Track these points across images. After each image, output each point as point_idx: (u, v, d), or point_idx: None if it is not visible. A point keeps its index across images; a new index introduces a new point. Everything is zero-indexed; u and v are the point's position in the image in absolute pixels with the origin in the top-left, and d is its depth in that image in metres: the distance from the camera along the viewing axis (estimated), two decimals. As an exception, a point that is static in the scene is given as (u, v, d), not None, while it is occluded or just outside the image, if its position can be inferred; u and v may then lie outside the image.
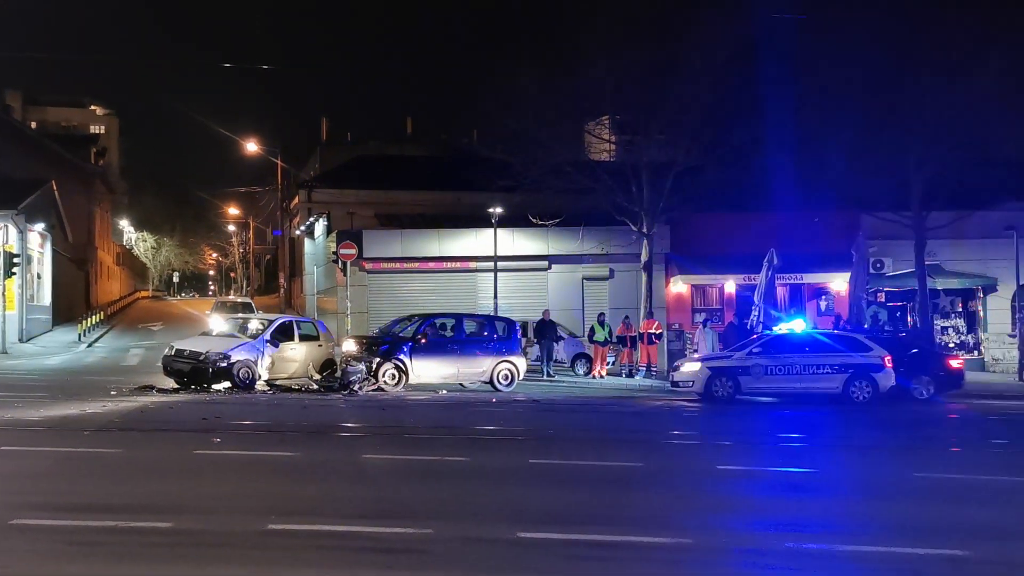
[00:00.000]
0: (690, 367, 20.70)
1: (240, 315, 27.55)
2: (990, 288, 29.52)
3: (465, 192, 32.48)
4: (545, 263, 30.15)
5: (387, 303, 29.09)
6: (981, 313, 29.95)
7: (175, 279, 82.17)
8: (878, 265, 28.99)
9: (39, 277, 34.61)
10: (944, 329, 29.62)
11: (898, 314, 29.80)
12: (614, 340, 26.29)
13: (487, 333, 22.14)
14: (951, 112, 24.95)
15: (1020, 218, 27.61)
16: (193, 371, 20.04)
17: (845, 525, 8.47)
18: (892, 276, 29.23)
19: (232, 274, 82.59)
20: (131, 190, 73.80)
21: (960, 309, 30.19)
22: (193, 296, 77.41)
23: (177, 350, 20.78)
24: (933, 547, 7.57)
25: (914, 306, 28.21)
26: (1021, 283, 27.66)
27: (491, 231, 28.36)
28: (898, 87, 25.68)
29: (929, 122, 25.06)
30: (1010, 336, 28.59)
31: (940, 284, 28.98)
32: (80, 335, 32.48)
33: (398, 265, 30.25)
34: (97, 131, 76.28)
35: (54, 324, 35.19)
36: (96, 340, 33.20)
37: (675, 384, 20.77)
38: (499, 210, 28.25)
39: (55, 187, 34.75)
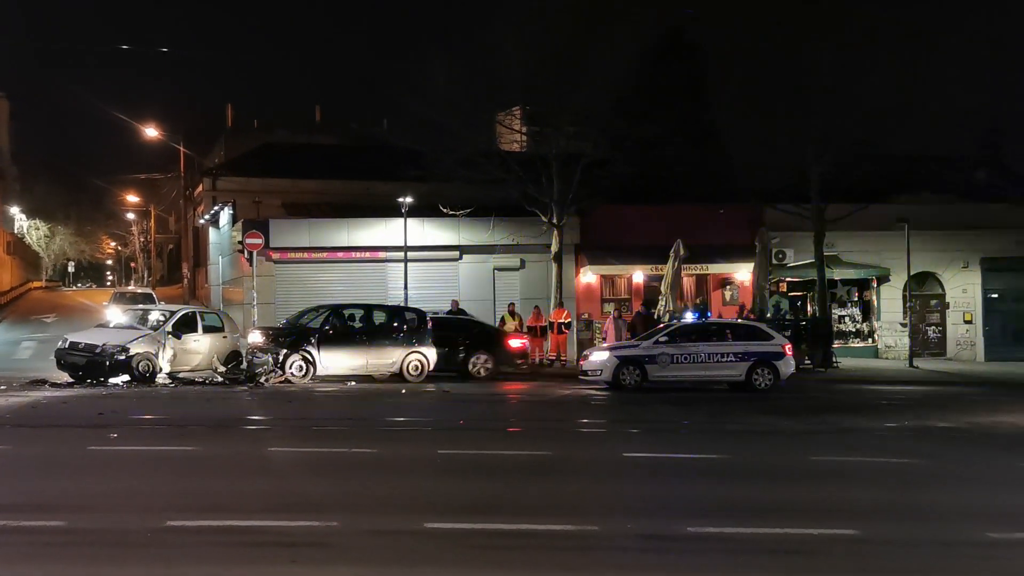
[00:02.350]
0: (599, 356, 20.96)
1: (140, 306, 26.68)
2: (884, 278, 30.76)
3: (375, 182, 32.07)
4: (456, 253, 30.06)
5: (295, 294, 28.54)
6: (875, 302, 31.19)
7: (71, 269, 78.98)
8: (780, 256, 29.86)
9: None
10: (841, 317, 30.74)
11: (799, 303, 30.79)
12: (524, 330, 26.43)
13: (397, 324, 21.97)
14: (847, 108, 25.86)
15: (911, 211, 28.81)
16: (89, 364, 19.33)
17: (745, 509, 8.71)
18: (793, 266, 30.17)
19: (132, 264, 79.95)
20: (22, 176, 70.54)
21: (856, 298, 31.39)
22: (90, 287, 74.58)
23: (72, 343, 20.01)
24: (827, 527, 7.86)
25: (814, 296, 29.18)
26: (912, 273, 28.92)
27: (401, 221, 28.12)
28: (797, 82, 26.47)
29: (826, 117, 25.91)
30: (901, 325, 29.86)
31: (838, 274, 30.05)
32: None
33: (306, 255, 29.72)
34: (-15, 114, 72.55)
35: (-62, 316, 33.43)
36: (-15, 333, 31.69)
37: (584, 373, 21.00)
38: (409, 200, 28.03)
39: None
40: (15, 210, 66.56)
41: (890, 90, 26.16)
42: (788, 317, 28.26)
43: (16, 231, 66.51)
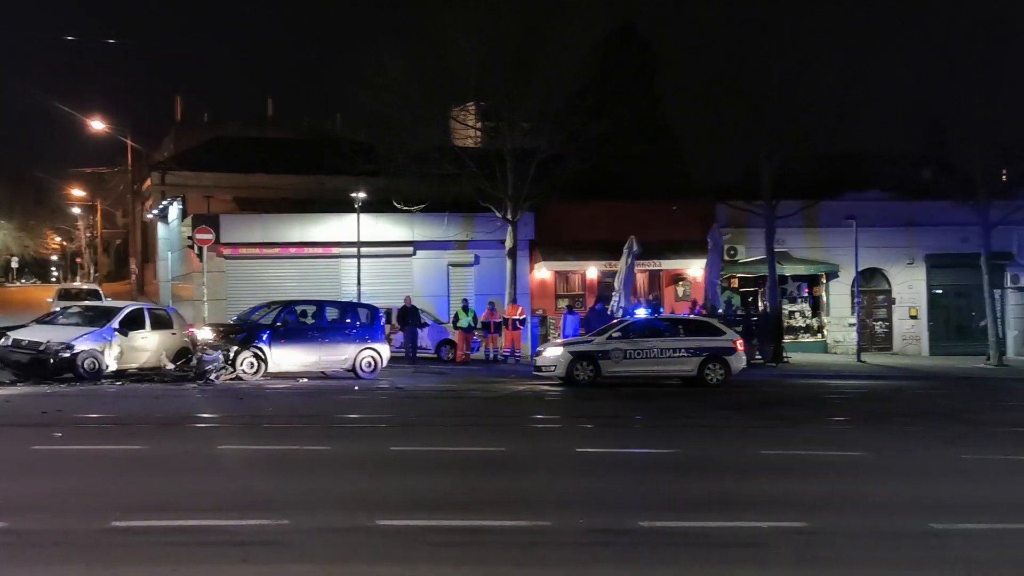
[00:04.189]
0: (552, 352, 21.02)
1: (86, 303, 26.12)
2: (832, 274, 31.29)
3: (328, 176, 31.76)
4: (410, 249, 29.93)
5: (246, 290, 28.18)
6: (825, 298, 31.71)
7: (13, 265, 77.05)
8: (732, 252, 30.23)
9: None
10: (792, 313, 31.21)
11: (750, 299, 31.20)
12: (478, 326, 26.42)
13: (349, 320, 21.81)
14: (797, 107, 26.25)
15: (859, 208, 29.36)
16: (32, 362, 18.88)
17: (695, 502, 8.80)
18: (745, 263, 30.55)
19: (78, 260, 78.26)
20: (-38, 170, 68.59)
21: (806, 294, 31.89)
22: (34, 283, 72.83)
23: (15, 340, 19.51)
24: (775, 520, 7.97)
25: (764, 292, 29.59)
26: (860, 269, 29.46)
27: (354, 216, 27.92)
28: (748, 80, 26.81)
29: (777, 116, 26.28)
30: (850, 324, 30.41)
31: (788, 270, 30.50)
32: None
33: (258, 251, 29.36)
34: (-77, 105, 70.43)
35: None
36: (-76, 330, 30.73)
37: (538, 369, 21.05)
38: (363, 195, 27.84)
39: None
40: (-46, 204, 64.72)
41: (839, 89, 26.61)
42: (740, 313, 28.63)
43: (-45, 226, 64.69)
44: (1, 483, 8.88)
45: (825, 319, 31.59)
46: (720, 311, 27.01)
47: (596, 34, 28.19)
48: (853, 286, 30.18)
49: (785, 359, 26.92)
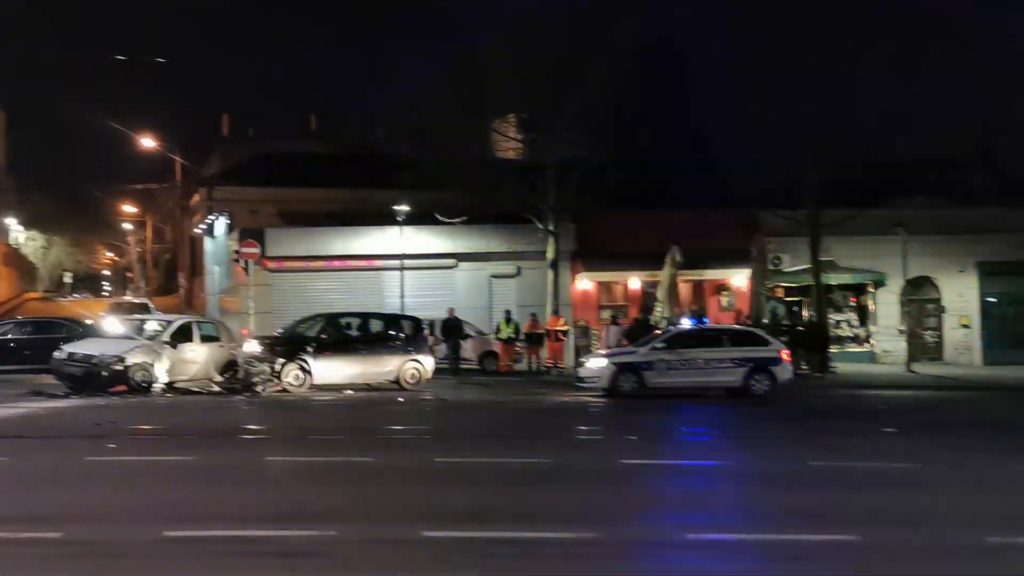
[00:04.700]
0: (596, 363, 20.93)
1: (137, 316, 26.63)
2: (880, 283, 30.75)
3: (371, 190, 32.05)
4: (452, 261, 30.06)
5: (291, 303, 28.50)
6: (872, 307, 31.20)
7: (67, 280, 78.88)
8: (776, 261, 29.88)
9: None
10: (838, 323, 30.75)
11: (795, 309, 30.81)
12: (521, 337, 26.42)
13: (393, 332, 21.95)
14: (843, 113, 25.92)
15: (908, 216, 28.84)
16: (86, 375, 19.28)
17: (744, 515, 8.70)
18: (789, 272, 30.17)
19: (129, 274, 79.78)
20: (18, 187, 70.42)
21: (853, 303, 31.41)
22: (87, 297, 74.42)
23: (69, 353, 19.95)
24: (826, 533, 7.85)
25: (810, 301, 29.19)
26: (908, 278, 28.94)
27: (397, 229, 28.12)
28: (793, 87, 26.54)
29: (822, 123, 25.96)
30: (900, 331, 29.87)
31: (834, 279, 30.04)
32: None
33: (302, 264, 29.70)
34: (-19, 125, 72.48)
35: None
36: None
37: (581, 380, 20.96)
38: (405, 208, 28.03)
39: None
40: (11, 221, 66.47)
41: (886, 95, 26.24)
42: (785, 323, 28.27)
43: (12, 242, 66.43)
44: (57, 493, 9.07)
45: (872, 329, 31.06)
46: (765, 321, 26.71)
47: (635, 44, 28.15)
48: (902, 295, 29.65)
49: (832, 369, 26.52)
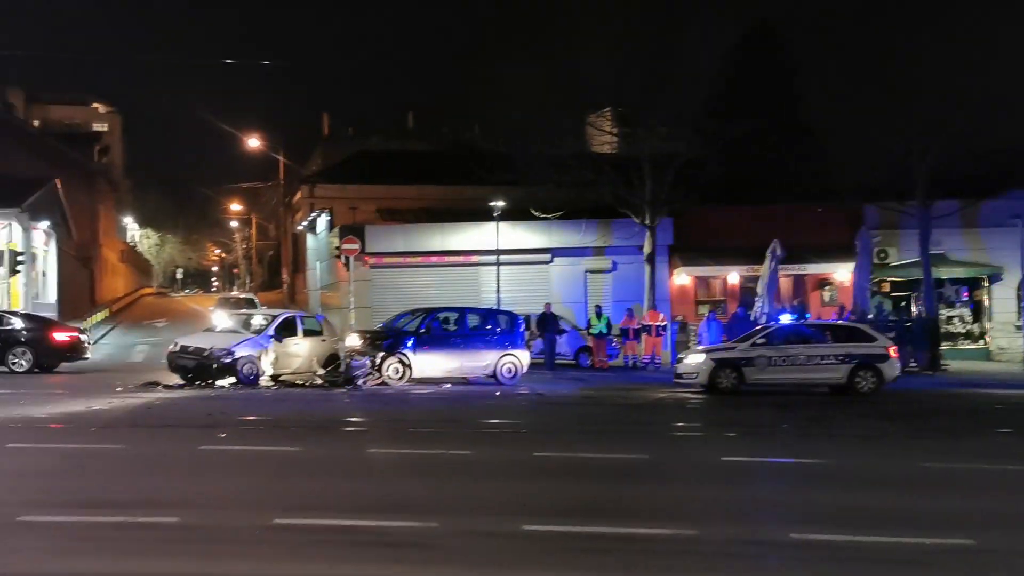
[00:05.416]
0: (694, 359, 20.67)
1: (244, 311, 27.59)
2: (995, 277, 29.45)
3: (467, 186, 32.43)
4: (547, 256, 30.12)
5: (390, 297, 29.08)
6: (987, 302, 29.88)
7: (179, 276, 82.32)
8: (882, 255, 28.94)
9: (44, 275, 34.64)
10: (950, 318, 29.57)
11: (903, 304, 29.75)
12: (611, 332, 26.28)
13: (490, 327, 22.15)
14: (955, 100, 24.86)
15: (1025, 206, 27.52)
16: (198, 367, 20.08)
17: (850, 516, 8.45)
18: (896, 266, 29.18)
19: (235, 270, 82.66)
20: (134, 187, 73.81)
21: (966, 298, 30.14)
22: (196, 292, 77.49)
23: (182, 346, 20.82)
24: (940, 537, 7.56)
25: (918, 296, 28.15)
26: (1026, 271, 27.60)
27: (493, 225, 28.34)
28: (900, 74, 25.59)
29: (933, 110, 24.96)
30: (1017, 327, 28.51)
31: (945, 273, 28.91)
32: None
33: (401, 260, 30.25)
34: (100, 129, 76.17)
35: (59, 322, 35.13)
36: (101, 337, 33.25)
37: (679, 376, 20.73)
38: (501, 204, 28.23)
39: (59, 185, 34.76)
40: (128, 220, 69.74)
41: (1001, 79, 25.04)
42: (892, 318, 27.34)
43: (129, 240, 69.70)
44: (172, 481, 9.47)
45: (987, 325, 29.75)
46: (870, 316, 25.87)
47: (732, 35, 27.66)
48: (1019, 289, 28.29)
49: (943, 367, 25.50)
